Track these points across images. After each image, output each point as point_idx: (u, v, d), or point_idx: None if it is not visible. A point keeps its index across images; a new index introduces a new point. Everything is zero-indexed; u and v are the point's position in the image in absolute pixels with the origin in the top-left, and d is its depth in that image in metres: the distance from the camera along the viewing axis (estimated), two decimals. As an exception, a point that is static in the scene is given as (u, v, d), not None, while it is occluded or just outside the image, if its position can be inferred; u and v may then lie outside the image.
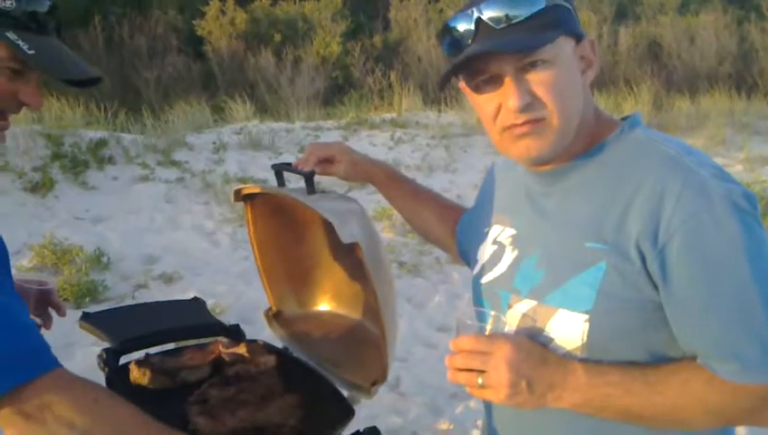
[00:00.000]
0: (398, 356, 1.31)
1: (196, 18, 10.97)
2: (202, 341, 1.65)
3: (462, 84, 1.05)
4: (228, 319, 1.78)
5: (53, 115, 5.98)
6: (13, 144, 5.20)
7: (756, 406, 0.93)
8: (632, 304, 0.94)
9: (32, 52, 0.98)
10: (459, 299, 4.24)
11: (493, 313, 1.01)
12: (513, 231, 1.12)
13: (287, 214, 1.52)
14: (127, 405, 1.07)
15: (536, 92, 0.96)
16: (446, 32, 1.01)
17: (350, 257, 1.51)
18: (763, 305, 0.89)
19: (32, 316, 1.45)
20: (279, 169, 1.40)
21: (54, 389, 0.98)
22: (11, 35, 0.97)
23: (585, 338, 0.96)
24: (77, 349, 3.28)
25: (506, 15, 0.94)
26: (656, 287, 0.93)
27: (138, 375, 1.44)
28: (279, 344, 1.64)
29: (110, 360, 1.48)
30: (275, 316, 1.64)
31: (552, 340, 0.99)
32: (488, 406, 1.22)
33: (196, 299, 1.89)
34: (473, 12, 0.96)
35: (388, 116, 7.92)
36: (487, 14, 0.95)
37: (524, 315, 1.02)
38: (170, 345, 1.66)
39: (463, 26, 0.98)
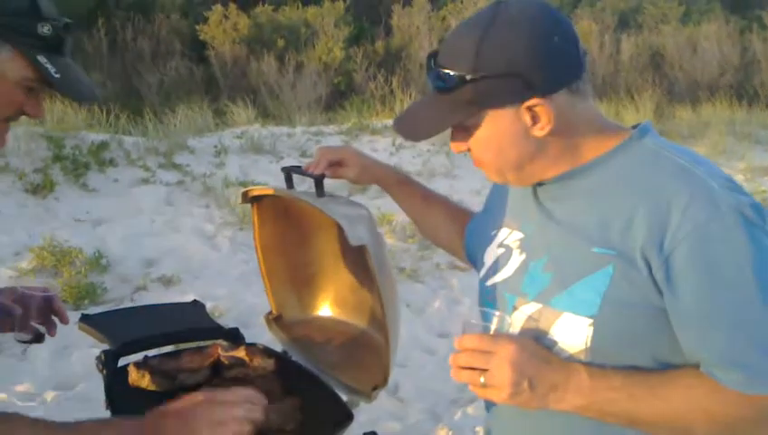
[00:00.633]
0: (397, 362, 1.31)
1: (199, 23, 11.01)
2: (201, 344, 1.65)
3: None
4: (227, 322, 1.78)
5: (55, 117, 5.98)
6: (14, 145, 5.20)
7: (759, 416, 0.93)
8: (637, 309, 0.94)
9: (57, 75, 1.03)
10: (459, 305, 4.24)
11: (497, 313, 1.01)
12: (520, 235, 1.12)
13: (293, 218, 1.52)
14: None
15: (470, 148, 1.04)
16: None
17: (353, 264, 1.51)
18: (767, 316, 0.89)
19: (35, 324, 1.45)
20: (289, 172, 1.40)
21: None
22: (41, 59, 1.02)
23: (589, 342, 0.96)
24: (75, 351, 3.27)
25: (434, 83, 1.00)
26: (661, 294, 0.93)
27: (136, 377, 1.44)
28: (278, 348, 1.63)
29: (108, 362, 1.48)
30: (276, 320, 1.64)
31: (556, 343, 0.99)
32: (489, 408, 1.21)
33: (195, 302, 1.89)
34: (431, 62, 1.03)
35: (389, 122, 7.92)
36: (431, 74, 1.02)
37: (529, 318, 1.03)
38: (169, 348, 1.66)
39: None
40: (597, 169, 1.02)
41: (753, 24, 12.93)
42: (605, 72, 11.23)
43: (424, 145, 7.26)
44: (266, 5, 11.55)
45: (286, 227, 1.56)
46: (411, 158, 6.89)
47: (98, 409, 1.39)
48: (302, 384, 1.46)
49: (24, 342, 1.48)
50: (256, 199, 1.51)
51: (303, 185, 1.48)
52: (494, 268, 1.14)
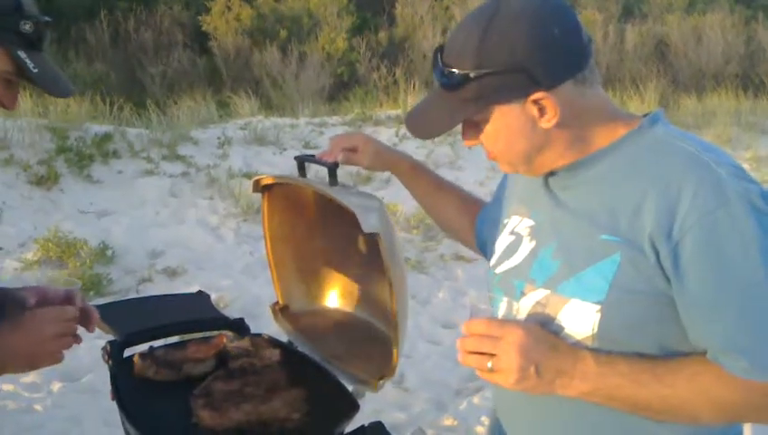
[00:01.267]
0: (402, 352, 1.31)
1: (201, 14, 10.98)
2: (206, 334, 1.65)
3: None
4: (232, 313, 1.78)
5: (59, 109, 5.97)
6: (18, 138, 5.21)
7: (764, 403, 0.93)
8: (644, 296, 0.94)
9: (36, 70, 1.11)
10: (463, 296, 4.24)
11: (505, 299, 1.02)
12: (531, 222, 1.12)
13: (302, 209, 1.52)
14: None
15: (482, 142, 1.06)
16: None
17: (361, 255, 1.51)
18: None
19: None
20: (302, 161, 1.40)
21: None
22: (21, 54, 1.10)
23: (596, 328, 0.96)
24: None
25: (440, 80, 1.02)
26: (669, 281, 0.93)
27: (142, 368, 1.44)
28: (283, 339, 1.63)
29: (114, 352, 1.48)
30: (282, 310, 1.64)
31: (563, 329, 0.99)
32: (496, 395, 1.22)
33: (200, 293, 1.89)
34: (437, 58, 1.03)
35: (393, 112, 7.90)
36: (437, 71, 1.02)
37: (537, 304, 1.03)
38: (175, 339, 1.66)
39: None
40: (606, 157, 1.03)
41: (759, 13, 12.84)
42: (609, 61, 11.18)
43: (428, 136, 7.23)
44: (269, -4, 11.51)
45: (295, 218, 1.56)
46: (415, 148, 6.87)
47: (105, 399, 1.40)
48: (307, 375, 1.46)
49: None
50: (268, 188, 1.51)
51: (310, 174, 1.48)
52: (505, 255, 1.14)
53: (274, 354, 1.51)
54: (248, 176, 5.40)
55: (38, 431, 2.69)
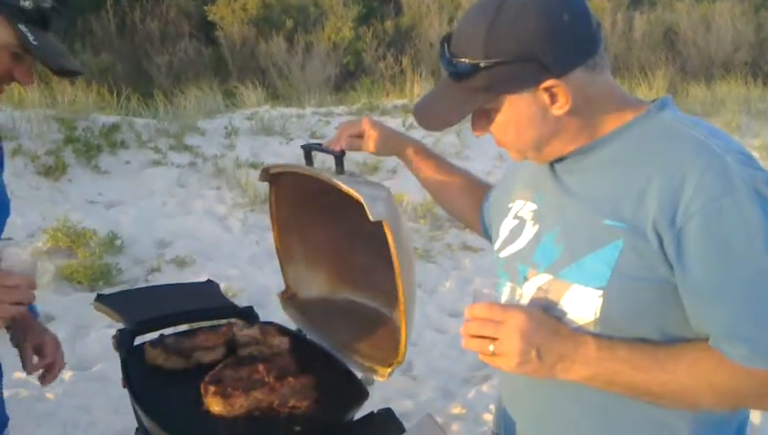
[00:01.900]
0: (409, 341, 1.31)
1: (207, 3, 10.94)
2: (216, 323, 1.66)
3: None
4: (240, 303, 1.79)
5: (66, 100, 5.98)
6: (26, 128, 5.22)
7: (765, 391, 0.93)
8: (647, 283, 0.94)
9: (35, 43, 1.19)
10: (470, 285, 4.24)
11: (509, 283, 1.02)
12: (534, 206, 1.12)
13: (310, 198, 1.52)
14: None
15: (492, 132, 1.05)
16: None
17: (368, 244, 1.51)
18: None
19: None
20: (309, 149, 1.40)
21: None
22: (22, 27, 1.18)
23: (598, 314, 0.97)
24: (92, 331, 3.31)
25: (448, 69, 1.01)
26: (671, 268, 0.93)
27: (153, 355, 1.45)
28: (292, 327, 1.64)
29: (124, 340, 1.49)
30: (290, 298, 1.65)
31: (565, 314, 0.99)
32: (501, 380, 1.22)
33: (209, 282, 1.90)
34: (445, 47, 1.02)
35: (399, 102, 7.87)
36: (445, 60, 1.01)
37: (539, 289, 1.03)
38: (185, 327, 1.67)
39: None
40: (613, 141, 1.02)
41: (769, -1, 12.71)
42: (618, 49, 11.09)
43: (434, 125, 7.21)
44: (275, -15, 11.44)
45: (302, 207, 1.56)
46: (421, 138, 6.81)
47: (116, 388, 1.41)
48: (316, 362, 1.47)
49: None
50: (275, 178, 1.51)
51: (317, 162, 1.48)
52: (509, 239, 1.14)
53: (283, 342, 1.52)
54: (255, 166, 5.41)
55: (49, 419, 2.71)
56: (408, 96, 8.12)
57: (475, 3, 1.02)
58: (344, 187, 1.22)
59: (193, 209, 4.92)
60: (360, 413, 1.36)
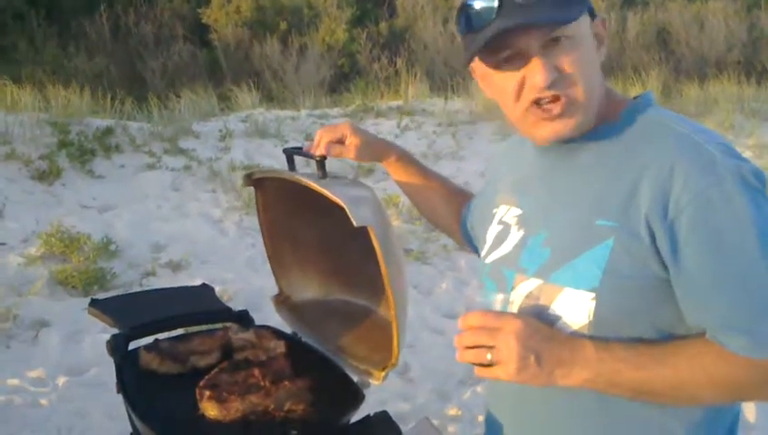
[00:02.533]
0: (405, 343, 1.31)
1: (201, 6, 10.94)
2: (211, 327, 1.66)
3: (474, 65, 1.05)
4: (236, 306, 1.78)
5: (60, 103, 5.97)
6: (19, 132, 5.21)
7: (765, 381, 0.93)
8: (639, 281, 0.94)
9: None
10: (466, 286, 4.24)
11: (496, 288, 1.01)
12: (518, 211, 1.12)
13: (297, 199, 1.51)
14: None
15: (562, 68, 0.96)
16: (464, 9, 0.99)
17: (360, 244, 1.50)
18: None
19: None
20: (290, 154, 1.39)
21: None
22: None
23: (592, 316, 0.96)
24: (86, 336, 3.30)
25: None
26: (663, 264, 0.93)
27: (147, 360, 1.45)
28: (288, 330, 1.63)
29: (119, 345, 1.49)
30: (284, 302, 1.64)
31: (558, 318, 0.99)
32: (489, 394, 1.22)
33: (204, 285, 1.90)
34: None
35: (394, 103, 7.88)
36: None
37: (529, 294, 1.02)
38: (179, 331, 1.67)
39: (483, 3, 0.96)
40: (600, 139, 1.03)
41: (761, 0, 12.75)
42: (611, 49, 11.09)
43: (429, 127, 7.22)
44: (268, -12, 11.43)
45: (290, 209, 1.55)
46: (416, 139, 6.86)
47: (111, 393, 1.41)
48: (312, 366, 1.47)
49: None
50: (259, 182, 1.51)
51: (310, 166, 1.48)
52: (495, 245, 1.14)
53: (279, 346, 1.52)
54: (250, 169, 5.38)
55: (44, 425, 2.70)
56: (402, 97, 8.12)
57: None
58: (326, 192, 1.20)
59: (188, 213, 4.91)
60: (356, 416, 1.36)
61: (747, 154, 6.66)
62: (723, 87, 9.08)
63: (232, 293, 3.82)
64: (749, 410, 2.88)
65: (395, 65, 9.72)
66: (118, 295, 1.88)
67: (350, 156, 1.32)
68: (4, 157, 4.92)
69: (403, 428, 1.30)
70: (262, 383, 1.36)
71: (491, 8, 0.95)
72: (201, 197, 5.15)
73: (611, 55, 10.97)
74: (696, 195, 0.90)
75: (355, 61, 10.60)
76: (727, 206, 0.90)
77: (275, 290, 1.67)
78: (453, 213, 1.39)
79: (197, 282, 2.07)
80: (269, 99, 8.41)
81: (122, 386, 1.38)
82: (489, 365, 0.96)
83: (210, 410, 1.29)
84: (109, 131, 5.60)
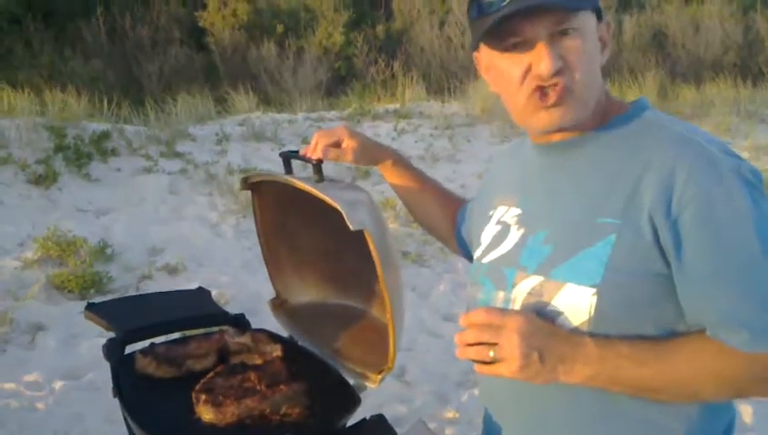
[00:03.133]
0: (403, 345, 1.31)
1: (198, 9, 10.93)
2: (207, 330, 1.65)
3: (479, 54, 1.07)
4: (233, 309, 1.78)
5: (56, 107, 5.97)
6: (15, 136, 5.20)
7: (766, 376, 0.93)
8: (640, 277, 0.95)
9: None
10: (464, 288, 4.23)
11: (494, 288, 1.02)
12: (518, 211, 1.12)
13: (294, 203, 1.51)
14: None
15: (567, 58, 0.98)
16: None
17: (357, 247, 1.50)
18: None
19: None
20: (287, 157, 1.39)
21: None
22: None
23: (593, 312, 0.96)
24: (83, 340, 3.29)
25: None
26: (665, 260, 0.94)
27: (143, 364, 1.44)
28: (284, 334, 1.63)
29: (115, 349, 1.48)
30: (281, 305, 1.64)
31: (559, 314, 0.98)
32: (485, 397, 1.22)
33: (200, 289, 1.89)
34: None
35: (391, 106, 7.89)
36: None
37: (531, 291, 1.02)
38: (175, 335, 1.66)
39: None
40: (600, 136, 1.04)
41: (757, 2, 12.78)
42: (607, 52, 11.14)
43: (426, 130, 7.23)
44: (265, -9, 11.44)
45: (287, 213, 1.55)
46: (413, 142, 6.87)
47: (108, 397, 1.40)
48: (308, 369, 1.47)
49: None
50: (256, 186, 1.50)
51: (307, 169, 1.48)
52: (492, 245, 1.14)
53: (275, 349, 1.52)
54: (247, 172, 5.40)
55: (41, 429, 2.69)
56: (399, 100, 8.13)
57: None
58: (323, 196, 1.20)
59: (184, 216, 4.91)
60: (352, 420, 1.36)
61: (744, 156, 6.65)
62: (719, 89, 9.11)
63: (228, 296, 3.81)
64: (746, 412, 2.89)
65: (392, 68, 9.74)
66: (114, 299, 1.87)
67: (346, 159, 1.32)
68: (0, 161, 4.92)
69: (400, 431, 1.29)
70: (258, 387, 1.36)
71: None
72: (198, 200, 5.15)
73: (608, 58, 11.00)
74: (697, 192, 0.91)
75: (352, 64, 10.61)
76: (728, 203, 0.91)
77: (272, 293, 1.67)
78: (447, 218, 1.40)
79: (194, 285, 2.07)
80: (266, 102, 8.42)
81: (118, 390, 1.37)
82: (491, 362, 0.96)
83: (206, 413, 1.29)
84: (105, 135, 5.60)
